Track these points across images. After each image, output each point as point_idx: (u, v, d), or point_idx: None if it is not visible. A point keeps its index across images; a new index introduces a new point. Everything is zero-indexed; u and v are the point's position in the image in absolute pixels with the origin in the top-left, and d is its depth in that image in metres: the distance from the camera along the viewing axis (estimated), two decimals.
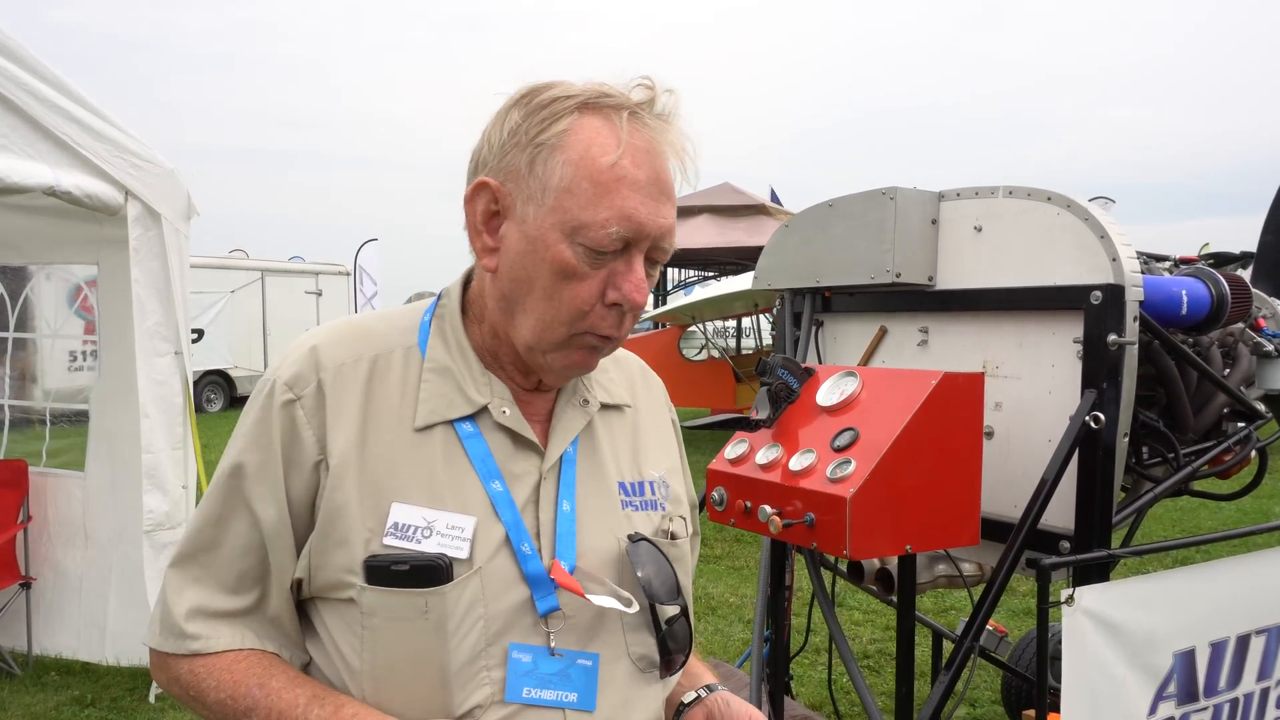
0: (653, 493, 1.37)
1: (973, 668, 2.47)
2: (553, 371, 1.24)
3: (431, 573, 1.15)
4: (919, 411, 2.21)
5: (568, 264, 1.14)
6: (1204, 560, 2.69)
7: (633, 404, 1.42)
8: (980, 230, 2.71)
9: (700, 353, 13.12)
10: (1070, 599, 2.32)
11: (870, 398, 2.36)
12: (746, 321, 16.15)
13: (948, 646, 4.04)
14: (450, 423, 1.22)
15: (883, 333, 3.03)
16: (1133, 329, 2.37)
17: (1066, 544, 2.45)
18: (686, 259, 14.48)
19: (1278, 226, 3.46)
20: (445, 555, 1.16)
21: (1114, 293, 2.35)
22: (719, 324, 14.47)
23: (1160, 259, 3.04)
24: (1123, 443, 2.41)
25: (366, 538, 1.16)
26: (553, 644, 1.20)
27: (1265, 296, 3.34)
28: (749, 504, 2.40)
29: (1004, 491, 2.66)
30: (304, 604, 1.25)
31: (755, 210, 12.92)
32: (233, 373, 17.83)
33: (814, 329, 3.24)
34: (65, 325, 6.09)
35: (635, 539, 1.28)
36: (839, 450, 2.26)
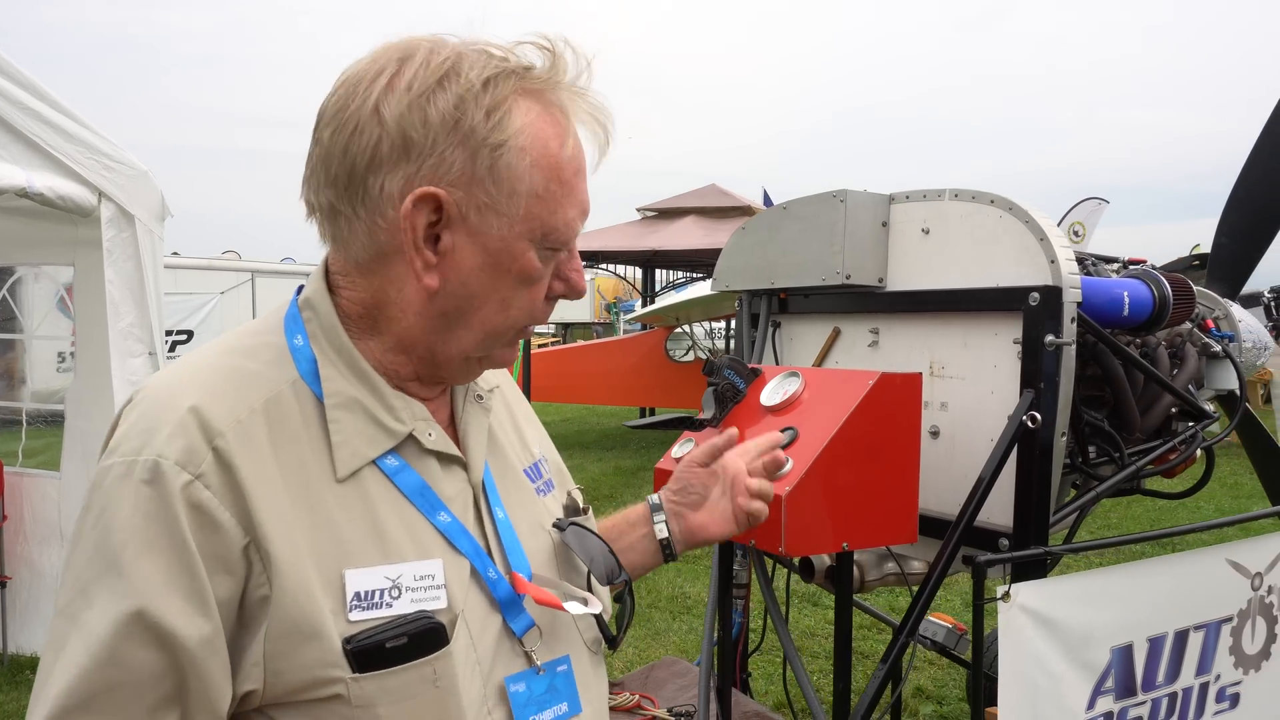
0: (544, 472, 1.33)
1: (909, 664, 2.51)
2: (469, 374, 1.17)
3: (431, 636, 1.02)
4: (855, 411, 2.25)
5: (533, 271, 1.07)
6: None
7: (498, 385, 1.32)
8: (928, 232, 2.75)
9: (688, 354, 13.15)
10: (1006, 595, 2.36)
11: (811, 398, 2.39)
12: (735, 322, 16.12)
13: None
14: (375, 463, 1.07)
15: (836, 334, 3.07)
16: (1070, 330, 2.41)
17: (1006, 542, 2.49)
18: (674, 260, 14.51)
19: (1230, 229, 3.50)
20: (427, 611, 1.03)
21: (1051, 294, 2.39)
22: (708, 325, 14.51)
23: (1109, 260, 3.09)
24: (1060, 442, 2.45)
25: (334, 620, 0.99)
26: (536, 661, 1.14)
27: (1218, 298, 3.39)
28: None
29: (950, 490, 2.70)
30: (243, 715, 1.02)
31: (742, 212, 12.96)
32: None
33: (771, 330, 3.28)
34: (52, 326, 6.13)
35: (562, 526, 1.24)
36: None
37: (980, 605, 2.34)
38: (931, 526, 2.65)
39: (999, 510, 2.54)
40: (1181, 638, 2.71)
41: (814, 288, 2.96)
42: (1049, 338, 2.37)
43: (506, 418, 1.32)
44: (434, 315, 1.09)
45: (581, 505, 1.32)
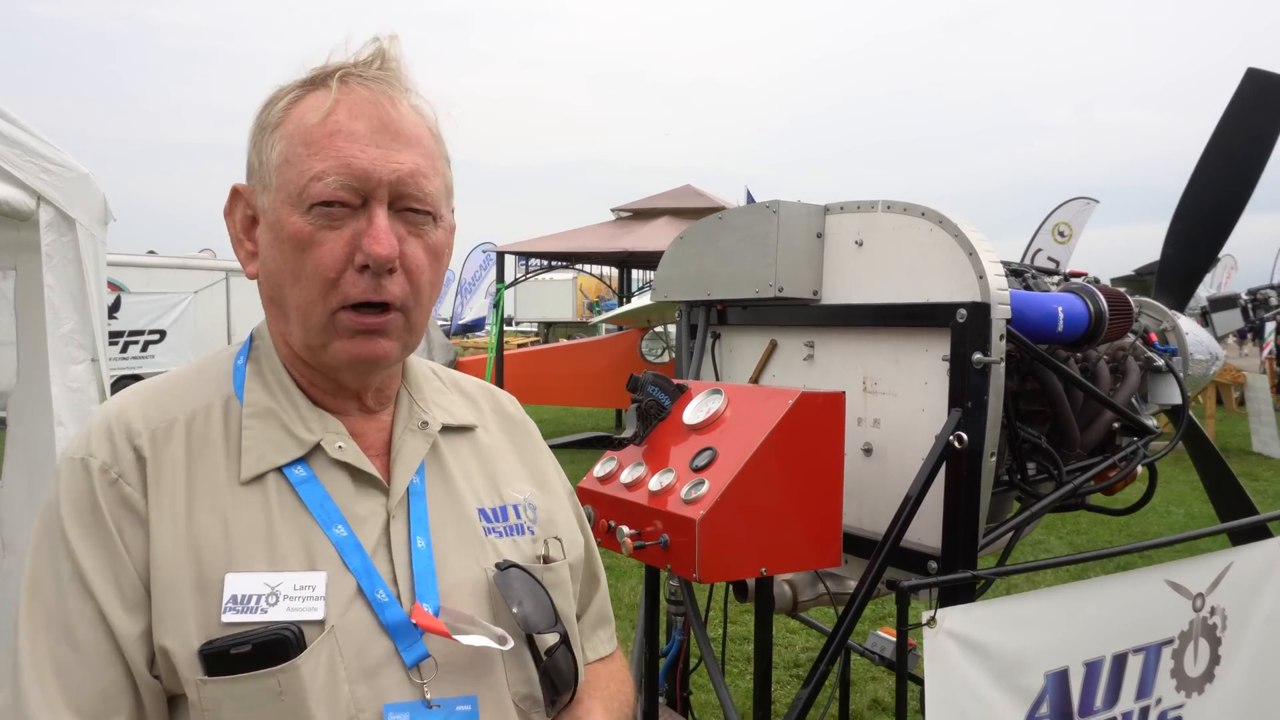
0: (518, 516, 1.30)
1: (835, 683, 2.44)
2: (344, 369, 1.16)
3: (278, 647, 1.04)
4: (774, 432, 2.18)
5: (302, 233, 1.09)
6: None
7: (480, 424, 1.35)
8: (861, 245, 2.68)
9: (663, 354, 13.09)
10: (932, 620, 2.29)
11: (733, 416, 2.33)
12: None
13: (855, 664, 4.03)
14: (281, 470, 1.13)
15: (773, 346, 3.00)
16: (999, 347, 2.34)
17: (935, 565, 2.43)
18: (648, 261, 14.43)
19: (1178, 240, 3.44)
20: (295, 623, 1.05)
21: (979, 311, 2.32)
22: None
23: (1050, 273, 3.03)
24: (990, 462, 2.38)
25: (202, 621, 1.05)
26: (428, 695, 1.11)
27: (1165, 309, 3.33)
28: (612, 523, 2.36)
29: (884, 509, 2.63)
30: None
31: (715, 212, 12.91)
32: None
33: (711, 341, 3.20)
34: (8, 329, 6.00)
35: (503, 567, 1.21)
36: (697, 470, 2.22)
37: (904, 632, 2.27)
38: (865, 546, 2.58)
39: (930, 531, 2.47)
40: (1120, 661, 2.64)
41: (750, 299, 2.89)
42: (976, 356, 2.31)
43: (480, 457, 1.32)
44: (269, 304, 1.18)
45: (546, 556, 1.29)
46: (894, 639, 3.68)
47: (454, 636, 1.11)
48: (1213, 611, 2.85)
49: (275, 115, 1.13)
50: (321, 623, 1.07)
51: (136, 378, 17.07)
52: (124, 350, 16.47)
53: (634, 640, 5.88)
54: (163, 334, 16.90)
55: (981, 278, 2.34)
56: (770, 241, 2.73)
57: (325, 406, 1.20)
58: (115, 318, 16.06)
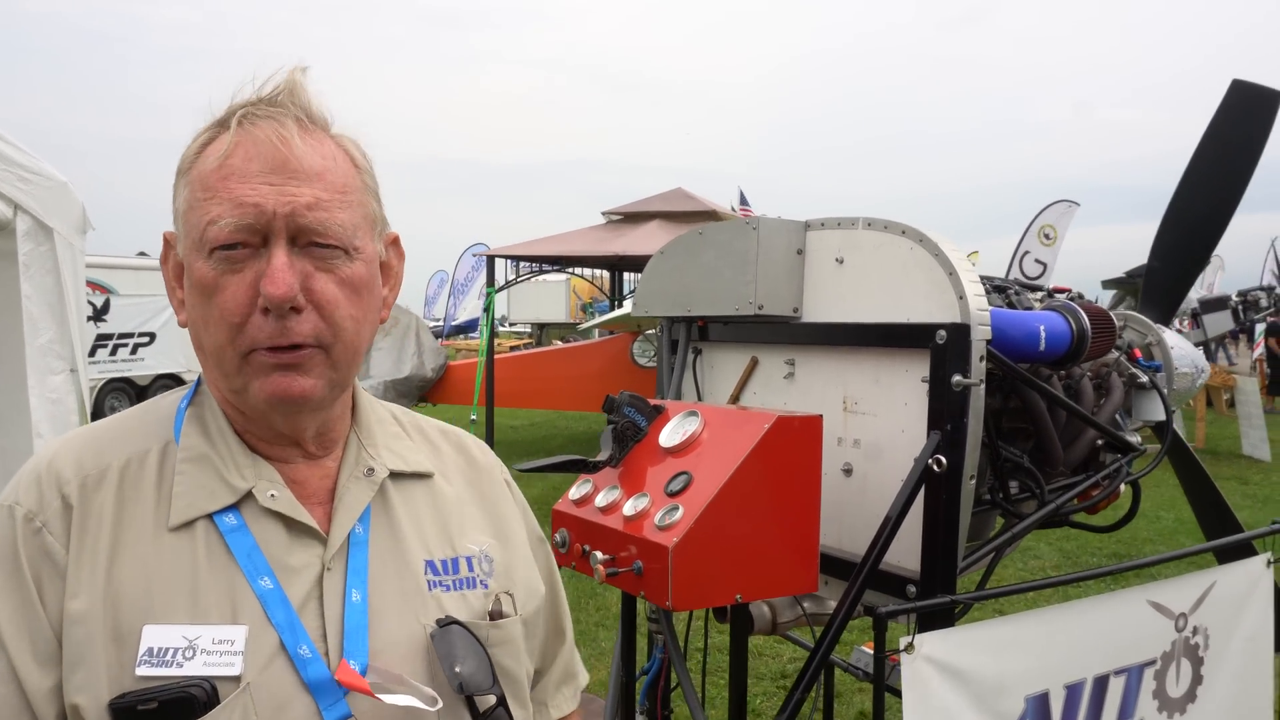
0: (470, 569, 1.24)
1: (818, 694, 2.41)
2: (265, 409, 1.12)
3: (184, 706, 1.00)
4: (749, 457, 2.14)
5: (206, 279, 1.07)
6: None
7: (439, 470, 1.30)
8: (842, 262, 2.65)
9: (654, 359, 13.05)
10: (910, 646, 2.26)
11: (709, 439, 2.29)
12: None
13: (842, 676, 4.00)
14: (211, 518, 1.10)
15: (754, 363, 2.97)
16: (979, 369, 2.31)
17: (914, 588, 2.39)
18: (639, 264, 14.40)
19: (1164, 253, 3.42)
20: (208, 679, 1.02)
21: (959, 332, 2.29)
22: None
23: (1034, 289, 3.00)
24: (969, 485, 2.35)
25: (114, 674, 1.01)
26: None
27: (1150, 323, 3.31)
28: (587, 548, 2.33)
29: (864, 530, 2.59)
30: None
31: (707, 216, 12.85)
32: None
33: (693, 357, 3.17)
34: None
35: (444, 623, 1.16)
36: (671, 495, 2.19)
37: (881, 658, 2.24)
38: (845, 568, 2.55)
39: (909, 554, 2.44)
40: (1101, 683, 2.62)
41: (730, 316, 2.86)
42: (956, 378, 2.27)
43: (434, 506, 1.27)
44: (197, 351, 1.14)
45: (496, 611, 1.23)
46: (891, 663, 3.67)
47: (378, 695, 1.07)
48: (1195, 631, 2.83)
49: (186, 160, 1.12)
50: (238, 679, 1.03)
51: (127, 380, 17.00)
52: (114, 353, 16.39)
53: (613, 657, 5.85)
54: (153, 336, 16.83)
55: (961, 298, 2.31)
56: (750, 258, 2.69)
57: (265, 454, 1.16)
58: (105, 320, 15.98)
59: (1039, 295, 2.96)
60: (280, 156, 1.07)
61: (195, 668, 1.02)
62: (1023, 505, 2.79)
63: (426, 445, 1.34)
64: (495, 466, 1.42)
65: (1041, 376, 2.74)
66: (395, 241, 1.25)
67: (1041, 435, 2.75)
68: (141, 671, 1.01)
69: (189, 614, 1.05)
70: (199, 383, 1.22)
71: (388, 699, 1.07)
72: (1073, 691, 2.56)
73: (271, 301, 1.05)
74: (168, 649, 1.03)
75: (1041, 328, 2.54)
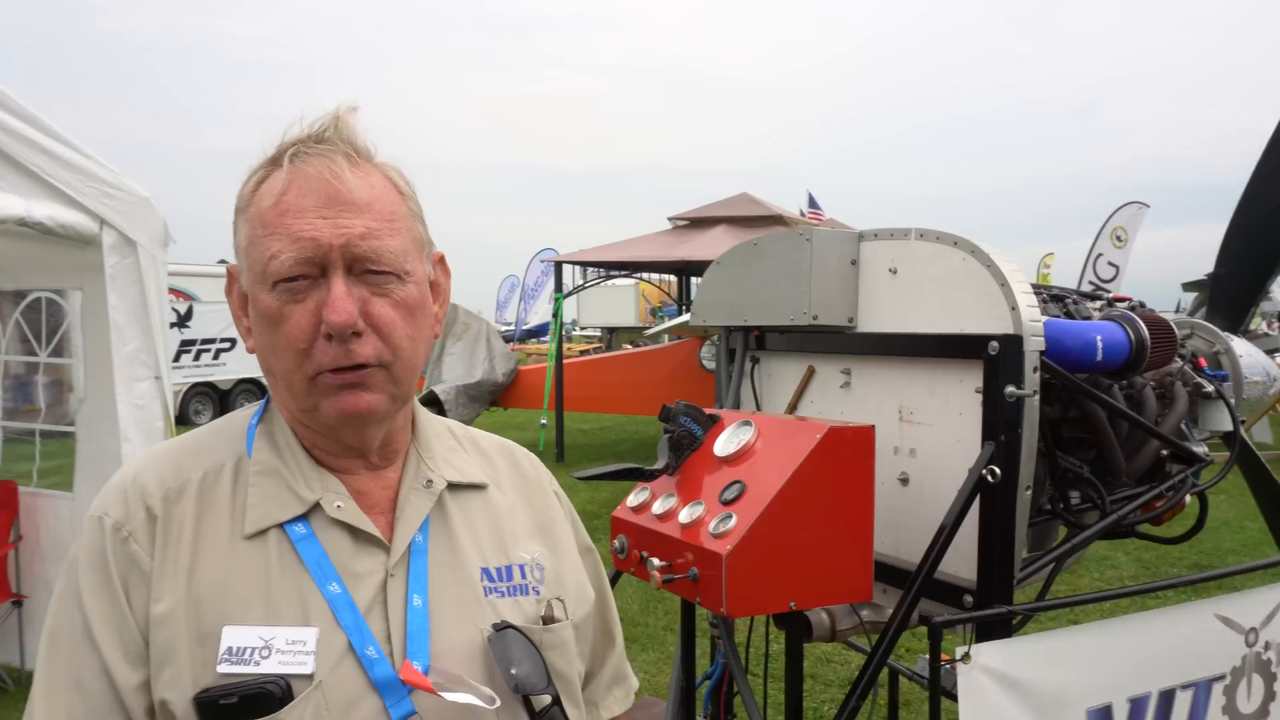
0: (524, 576, 1.31)
1: (873, 700, 2.42)
2: (335, 425, 1.20)
3: (262, 700, 1.08)
4: (802, 466, 2.16)
5: (271, 309, 1.15)
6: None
7: (492, 481, 1.37)
8: (895, 273, 2.65)
9: None
10: (966, 656, 2.26)
11: (763, 449, 2.32)
12: None
13: (911, 686, 3.99)
14: (283, 528, 1.18)
15: (811, 373, 2.98)
16: (1033, 380, 2.30)
17: (970, 598, 2.39)
18: (704, 270, 14.45)
19: (1230, 260, 3.35)
20: (283, 676, 1.09)
21: (1012, 343, 2.29)
22: None
23: (1093, 298, 2.96)
24: (1025, 495, 2.34)
25: (198, 671, 1.10)
26: None
27: (1217, 332, 3.24)
28: (644, 554, 2.37)
29: (920, 540, 2.59)
30: None
31: (773, 220, 12.84)
32: (266, 382, 18.08)
33: (751, 366, 3.20)
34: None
35: (499, 627, 1.22)
36: (726, 504, 2.22)
37: (936, 668, 2.25)
38: (901, 576, 2.56)
39: (966, 563, 2.44)
40: (1167, 698, 2.58)
41: (785, 326, 2.88)
42: (1009, 389, 2.27)
43: (489, 515, 1.33)
44: (267, 375, 1.23)
45: (549, 617, 1.30)
46: (944, 664, 3.65)
47: (440, 693, 1.13)
48: (1267, 647, 2.77)
49: (243, 199, 1.20)
50: (310, 676, 1.10)
51: (210, 385, 17.49)
52: (197, 358, 16.89)
53: (674, 661, 5.89)
54: (234, 342, 17.30)
55: (1014, 309, 2.31)
56: (804, 269, 2.72)
57: (331, 466, 1.24)
58: (188, 327, 16.48)
59: (1098, 305, 2.92)
60: (332, 190, 1.14)
61: (271, 666, 1.10)
62: (1084, 516, 2.76)
63: (480, 457, 1.40)
64: (545, 478, 1.48)
65: (1102, 387, 2.71)
66: (441, 260, 1.32)
67: (1103, 445, 2.72)
68: (222, 669, 1.09)
69: (263, 616, 1.12)
70: (267, 400, 1.30)
71: (449, 697, 1.13)
72: (1137, 705, 2.53)
73: (334, 328, 1.12)
74: (245, 648, 1.10)
75: (1099, 338, 2.52)
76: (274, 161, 1.18)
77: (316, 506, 1.19)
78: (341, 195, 1.14)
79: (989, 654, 2.30)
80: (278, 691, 1.08)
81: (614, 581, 3.15)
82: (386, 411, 1.21)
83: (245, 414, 1.30)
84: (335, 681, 1.12)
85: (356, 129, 1.20)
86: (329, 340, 1.13)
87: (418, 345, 1.22)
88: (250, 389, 17.94)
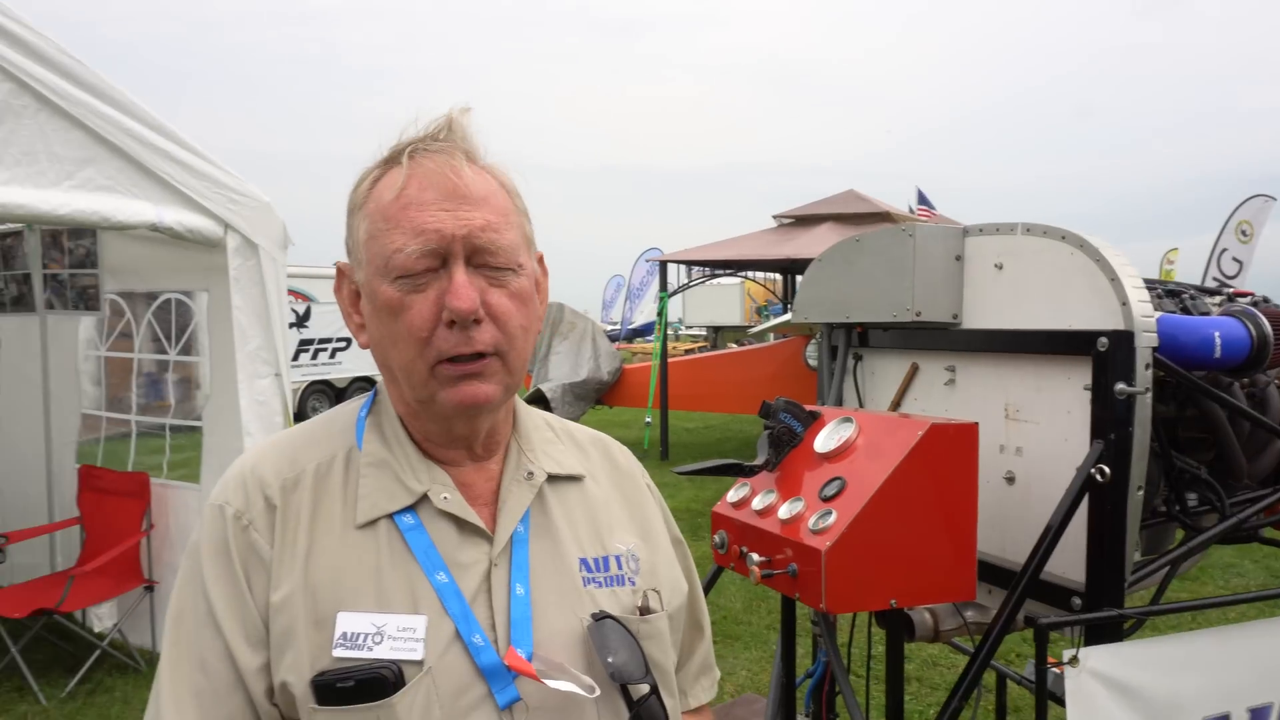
0: (619, 567, 1.33)
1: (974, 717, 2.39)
2: (450, 414, 1.23)
3: (377, 684, 1.12)
4: (903, 464, 2.15)
5: (392, 300, 1.17)
6: None
7: (588, 473, 1.39)
8: (1001, 268, 2.61)
9: None
10: (1074, 660, 2.21)
11: (864, 445, 2.31)
12: None
13: (1020, 691, 3.90)
14: (392, 518, 1.21)
15: (914, 370, 2.95)
16: (1144, 377, 2.24)
17: (1079, 600, 2.34)
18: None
19: None
20: (395, 662, 1.13)
21: (1122, 339, 2.23)
22: None
23: (1213, 293, 2.86)
24: (1137, 496, 2.28)
25: (315, 655, 1.13)
26: None
27: None
28: (744, 549, 2.39)
29: (1026, 540, 2.54)
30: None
31: (880, 218, 12.63)
32: (379, 379, 18.55)
33: (853, 363, 3.18)
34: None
35: (598, 617, 1.25)
36: (826, 500, 2.22)
37: (1042, 670, 2.21)
38: (1007, 577, 2.51)
39: (1074, 564, 2.39)
40: None
41: (887, 323, 2.86)
42: (1119, 386, 2.21)
43: (586, 507, 1.36)
44: (381, 369, 1.26)
45: (645, 607, 1.32)
46: (1052, 668, 3.56)
47: (543, 680, 1.16)
48: None
49: (359, 197, 1.23)
50: (420, 663, 1.13)
51: (327, 383, 18.05)
52: (314, 357, 17.44)
53: (774, 659, 5.87)
54: (349, 341, 17.83)
55: (1125, 304, 2.25)
56: (907, 265, 2.69)
57: (437, 458, 1.27)
58: (306, 327, 17.04)
59: (1217, 300, 2.82)
60: (451, 185, 1.18)
61: (383, 651, 1.13)
62: (1202, 519, 2.67)
63: (576, 449, 1.43)
64: (638, 470, 1.50)
65: (1221, 385, 2.62)
66: (541, 259, 1.35)
67: (1222, 445, 2.63)
68: (337, 654, 1.13)
69: (375, 603, 1.16)
70: (375, 394, 1.34)
71: (552, 684, 1.16)
72: (1258, 716, 2.44)
73: (458, 314, 1.15)
74: (359, 634, 1.14)
75: (1217, 334, 2.43)
76: (390, 161, 1.22)
77: (424, 498, 1.22)
78: (460, 189, 1.18)
79: (1099, 657, 2.24)
80: (391, 677, 1.12)
81: (715, 578, 3.17)
82: (499, 401, 1.25)
83: (353, 406, 1.34)
84: (444, 668, 1.15)
85: (470, 130, 1.24)
86: (450, 328, 1.17)
87: (529, 336, 1.26)
88: (364, 386, 18.43)
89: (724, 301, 29.84)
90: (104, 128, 4.32)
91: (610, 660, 1.21)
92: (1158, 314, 2.32)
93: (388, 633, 1.14)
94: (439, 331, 1.17)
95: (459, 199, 1.18)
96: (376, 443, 1.27)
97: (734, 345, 19.83)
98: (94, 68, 4.32)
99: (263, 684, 1.16)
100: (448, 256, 1.17)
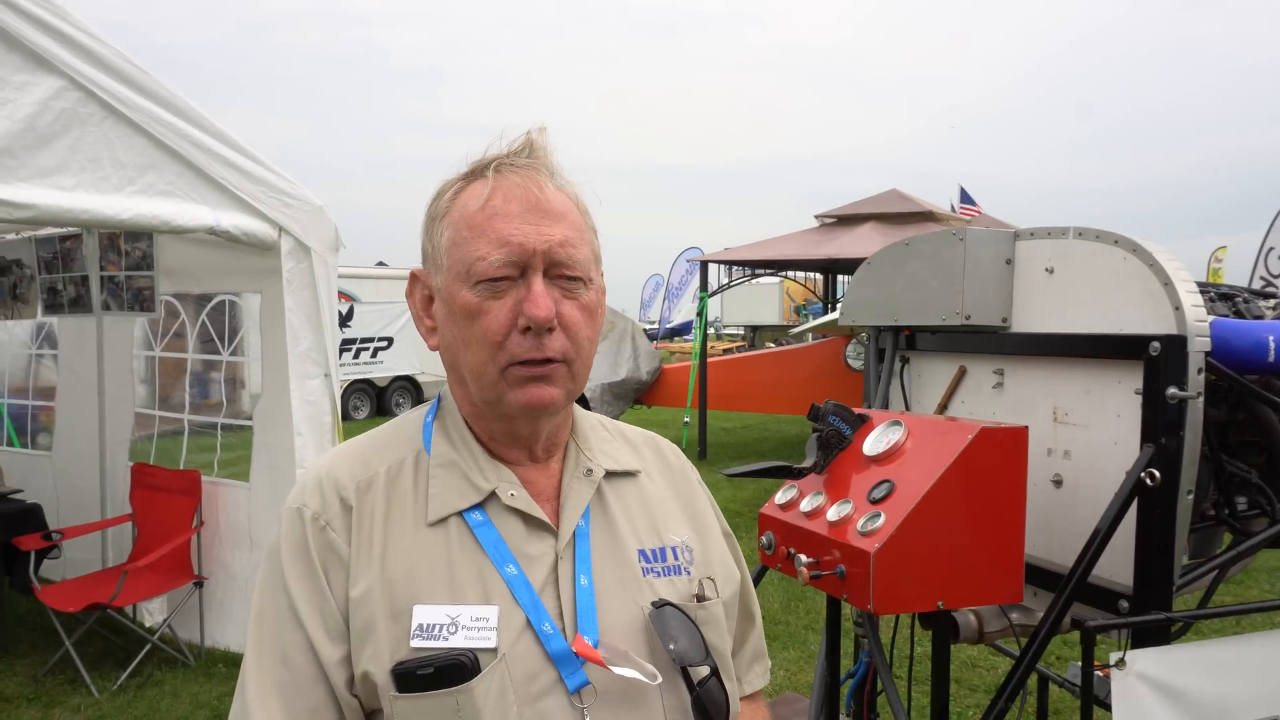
0: (676, 558, 1.40)
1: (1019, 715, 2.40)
2: (516, 415, 1.29)
3: (456, 670, 1.17)
4: (952, 467, 2.17)
5: (470, 304, 1.24)
6: None
7: (642, 469, 1.46)
8: (1052, 272, 2.62)
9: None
10: (1121, 662, 2.23)
11: (913, 448, 2.33)
12: None
13: (1062, 695, 3.90)
14: (462, 515, 1.27)
15: (962, 372, 2.97)
16: (1197, 381, 2.24)
17: (1126, 603, 2.35)
18: (851, 268, 14.26)
19: None
20: (471, 650, 1.18)
21: (1175, 344, 2.24)
22: None
23: (1267, 297, 2.85)
24: (1186, 500, 2.28)
25: (393, 646, 1.19)
26: (588, 719, 1.22)
27: None
28: (792, 550, 2.42)
29: (1074, 544, 2.55)
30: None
31: (923, 217, 12.59)
32: (420, 378, 18.78)
33: (901, 366, 3.20)
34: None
35: (659, 605, 1.31)
36: (874, 502, 2.25)
37: (1089, 673, 2.22)
38: (1054, 580, 2.53)
39: (1122, 568, 2.40)
40: None
41: (936, 326, 2.88)
42: (1171, 390, 2.22)
43: (642, 501, 1.43)
44: (450, 370, 1.33)
45: (701, 595, 1.38)
46: (1097, 670, 3.56)
47: (609, 666, 1.22)
48: None
49: (442, 206, 1.30)
50: (494, 650, 1.19)
51: (368, 382, 18.23)
52: (356, 356, 17.66)
53: (818, 659, 5.87)
54: (391, 341, 18.04)
55: (1178, 309, 2.25)
56: (956, 269, 2.71)
57: (501, 458, 1.34)
58: (348, 326, 17.25)
59: (1272, 304, 2.81)
60: (534, 199, 1.25)
61: (458, 640, 1.19)
62: (1252, 523, 2.67)
63: (630, 448, 1.50)
64: (688, 467, 1.57)
65: (1275, 389, 2.61)
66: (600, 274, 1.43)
67: (1274, 449, 2.62)
68: (415, 644, 1.19)
69: (448, 596, 1.22)
70: (439, 400, 1.41)
71: (617, 671, 1.22)
72: None
73: (534, 322, 1.22)
74: (435, 625, 1.20)
75: (1271, 338, 2.43)
76: (474, 174, 1.29)
77: (491, 495, 1.29)
78: (542, 204, 1.25)
79: (1145, 661, 2.25)
80: (468, 663, 1.17)
81: (758, 579, 3.20)
82: (562, 405, 1.31)
83: (420, 413, 1.42)
84: (516, 655, 1.20)
85: (549, 149, 1.32)
86: (524, 334, 1.23)
87: (593, 346, 1.33)
88: (404, 385, 18.67)
89: (762, 300, 29.77)
90: (165, 134, 4.44)
91: (671, 646, 1.27)
92: (1211, 318, 2.32)
93: (462, 623, 1.20)
94: (513, 336, 1.23)
95: (541, 214, 1.25)
96: (444, 445, 1.33)
97: (771, 345, 19.79)
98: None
99: (344, 675, 1.22)
100: (527, 267, 1.24)
